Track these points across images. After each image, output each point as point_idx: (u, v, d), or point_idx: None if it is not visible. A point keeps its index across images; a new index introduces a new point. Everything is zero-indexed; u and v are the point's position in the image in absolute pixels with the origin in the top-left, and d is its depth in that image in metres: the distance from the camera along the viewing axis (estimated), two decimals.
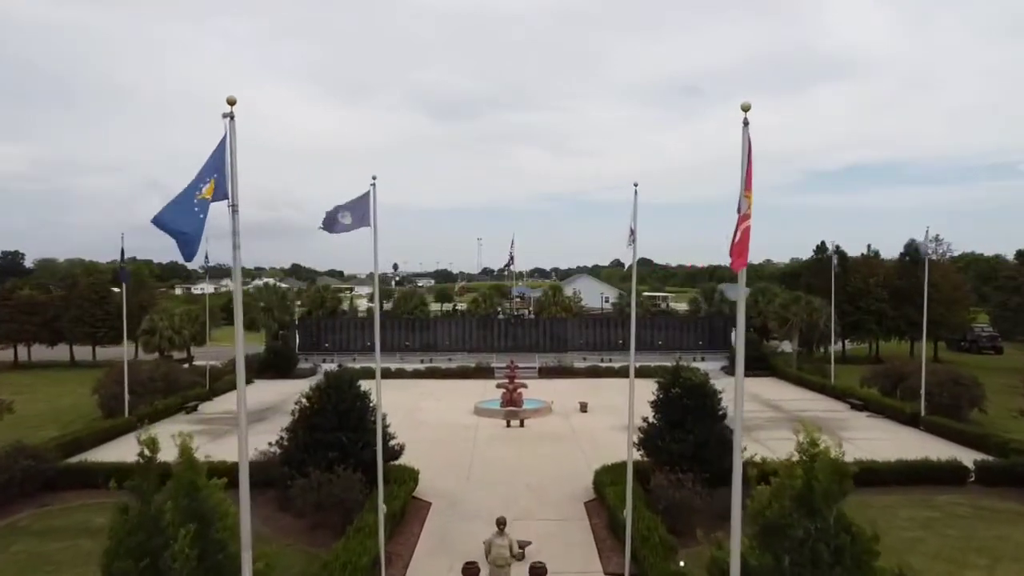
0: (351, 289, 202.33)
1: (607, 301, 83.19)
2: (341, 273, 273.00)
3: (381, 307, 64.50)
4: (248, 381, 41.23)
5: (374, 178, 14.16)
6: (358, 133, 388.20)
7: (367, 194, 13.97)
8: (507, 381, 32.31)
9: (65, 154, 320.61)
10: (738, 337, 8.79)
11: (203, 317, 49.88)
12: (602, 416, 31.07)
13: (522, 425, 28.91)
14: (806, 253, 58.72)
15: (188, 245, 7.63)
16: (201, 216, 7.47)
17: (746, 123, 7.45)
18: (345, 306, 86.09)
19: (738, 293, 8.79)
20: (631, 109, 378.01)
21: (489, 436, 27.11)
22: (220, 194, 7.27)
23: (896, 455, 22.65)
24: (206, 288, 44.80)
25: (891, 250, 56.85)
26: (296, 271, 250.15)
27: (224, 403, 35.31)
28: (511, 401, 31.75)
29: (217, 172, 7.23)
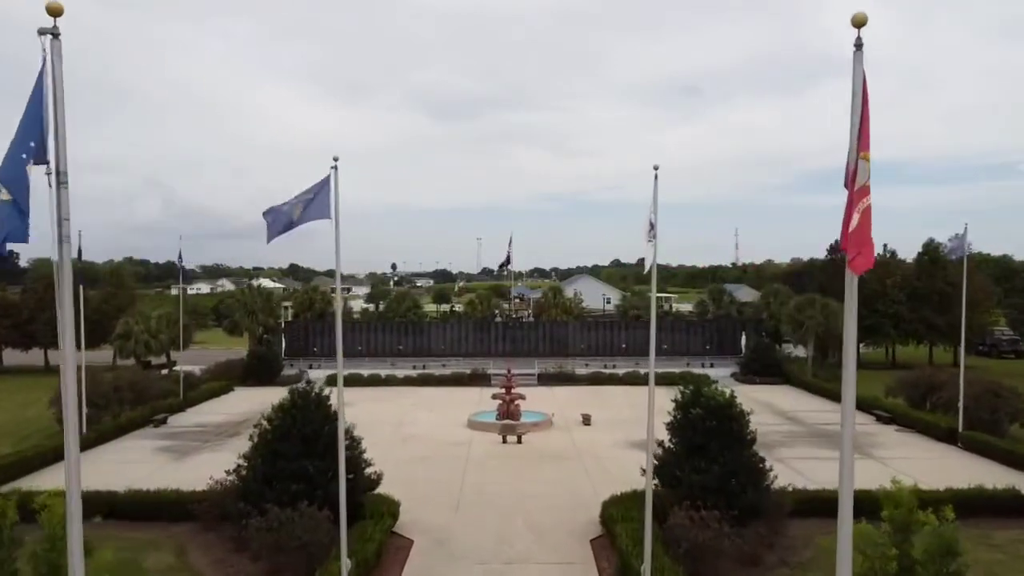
0: (348, 289, 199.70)
1: (608, 302, 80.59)
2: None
3: (383, 307, 61.69)
4: (228, 389, 38.73)
5: (335, 160, 11.59)
6: (358, 133, 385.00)
7: (326, 180, 11.42)
8: (503, 391, 29.73)
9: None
10: (847, 357, 6.24)
11: (184, 320, 47.32)
12: (607, 430, 28.50)
13: (519, 441, 26.35)
14: (807, 253, 56.73)
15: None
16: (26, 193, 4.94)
17: (859, 45, 4.86)
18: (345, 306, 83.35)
19: (847, 302, 6.22)
20: (631, 109, 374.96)
21: (483, 455, 24.53)
22: (38, 155, 4.70)
23: (939, 478, 20.11)
24: (181, 289, 41.83)
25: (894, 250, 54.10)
26: (294, 271, 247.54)
27: (199, 415, 32.71)
28: (508, 414, 29.17)
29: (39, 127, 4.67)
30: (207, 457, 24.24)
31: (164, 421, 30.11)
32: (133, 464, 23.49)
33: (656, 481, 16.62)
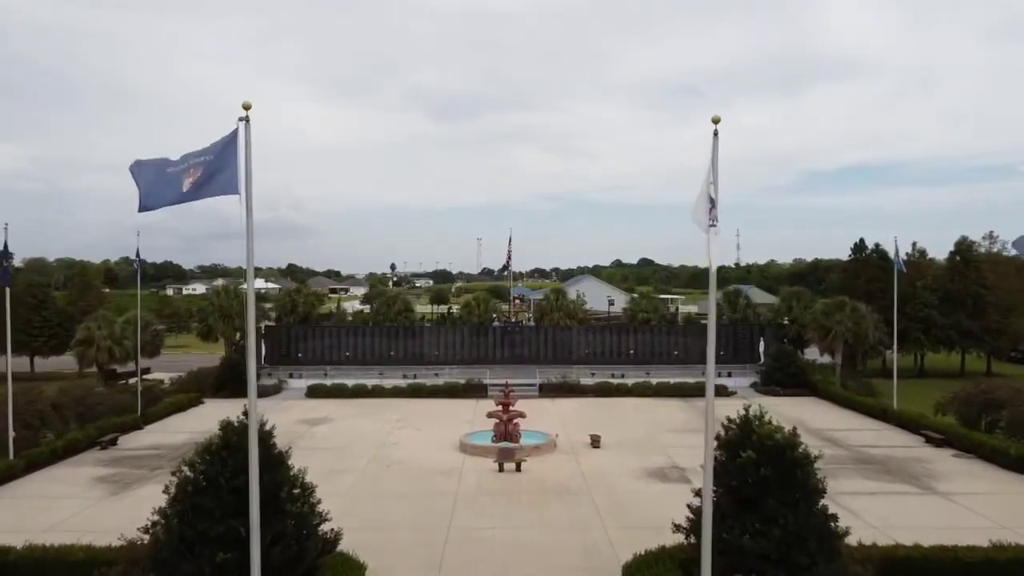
0: (346, 290, 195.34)
1: (612, 304, 76.59)
2: (338, 273, 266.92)
3: (373, 309, 57.36)
4: (196, 402, 35.02)
5: (247, 109, 7.94)
6: (358, 133, 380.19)
7: (232, 138, 7.78)
8: (500, 409, 26.06)
9: (66, 153, 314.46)
10: None
11: (155, 324, 43.78)
12: (619, 454, 24.83)
13: (518, 469, 22.67)
14: (810, 254, 53.29)
15: None
16: None
17: None
18: (333, 307, 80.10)
19: None
20: (631, 109, 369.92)
21: (475, 489, 20.82)
22: None
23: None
24: (139, 290, 37.45)
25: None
26: (292, 271, 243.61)
27: (156, 434, 29.02)
28: (505, 435, 25.52)
29: None
30: (151, 491, 20.44)
31: (114, 442, 26.43)
32: (59, 501, 19.82)
33: (691, 539, 13.01)
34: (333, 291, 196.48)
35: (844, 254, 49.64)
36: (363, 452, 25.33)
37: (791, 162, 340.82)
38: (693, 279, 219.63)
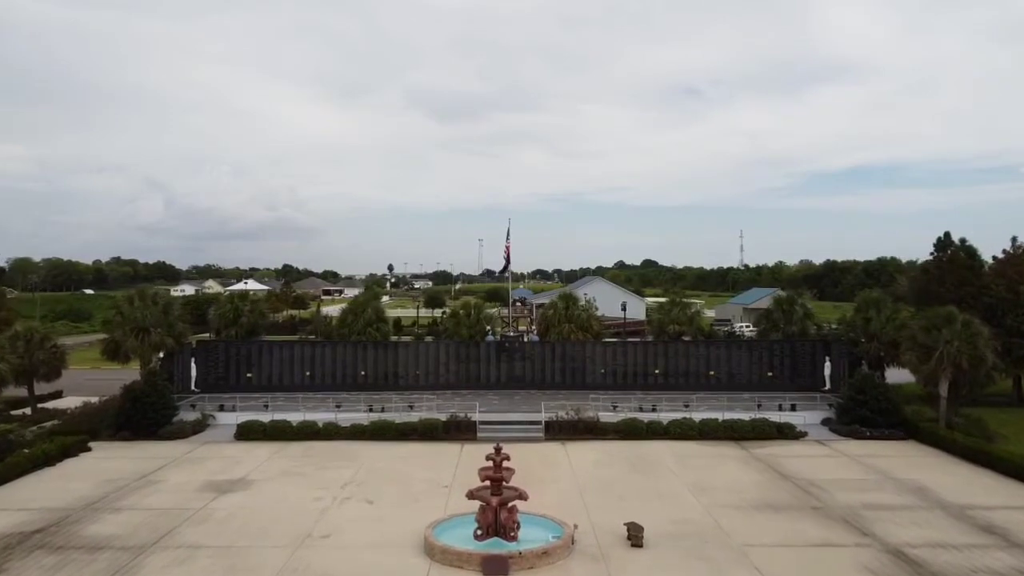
0: (340, 292, 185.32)
1: (625, 309, 67.30)
2: (336, 274, 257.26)
3: (337, 319, 45.02)
4: (78, 448, 25.53)
5: None
6: (358, 133, 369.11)
7: None
8: (486, 485, 16.80)
9: (66, 154, 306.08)
10: None
11: (55, 338, 34.54)
12: (676, 564, 15.54)
13: None
14: (818, 255, 44.05)
15: None
16: None
17: None
18: (329, 311, 71.41)
19: None
20: (631, 110, 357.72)
21: None
22: None
23: None
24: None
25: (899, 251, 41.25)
26: (288, 272, 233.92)
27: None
28: (495, 526, 16.29)
29: None
30: None
31: None
32: None
33: None
34: (327, 292, 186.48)
35: (850, 255, 40.77)
36: (271, 554, 16.09)
37: (791, 164, 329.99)
38: (700, 281, 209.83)
